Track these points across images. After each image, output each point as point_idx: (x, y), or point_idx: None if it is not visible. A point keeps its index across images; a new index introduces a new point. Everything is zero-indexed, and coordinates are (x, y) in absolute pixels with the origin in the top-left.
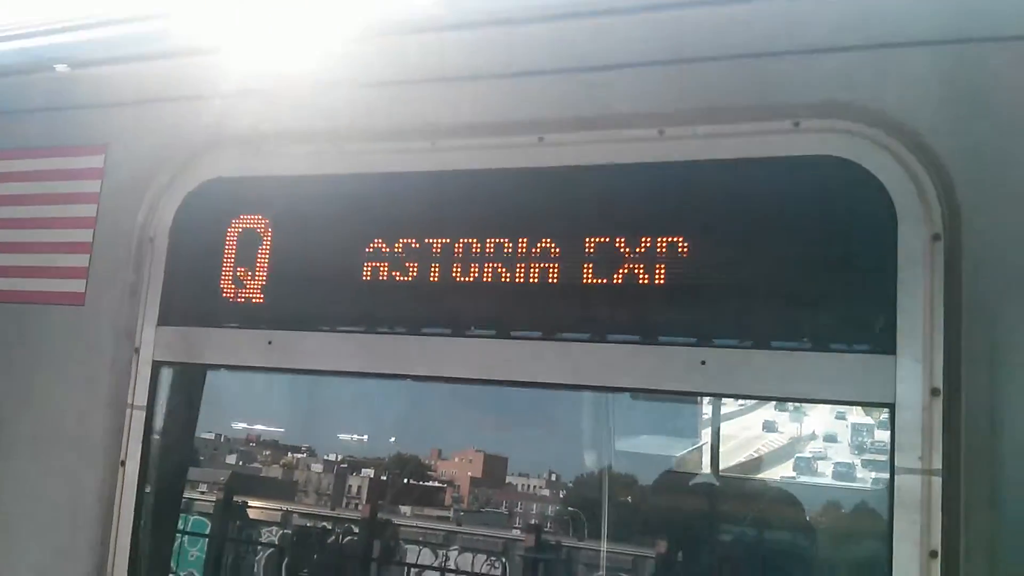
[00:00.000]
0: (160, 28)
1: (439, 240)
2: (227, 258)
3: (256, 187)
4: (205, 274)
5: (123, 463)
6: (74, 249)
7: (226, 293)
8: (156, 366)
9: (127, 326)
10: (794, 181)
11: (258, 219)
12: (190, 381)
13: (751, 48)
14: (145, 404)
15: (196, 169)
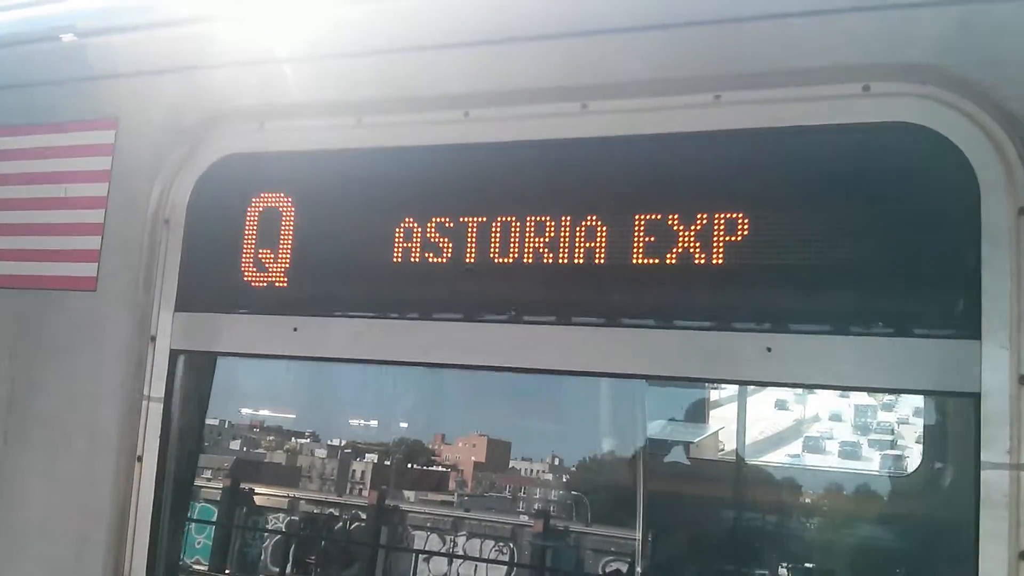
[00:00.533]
0: None
1: (475, 219)
2: (248, 239)
3: (277, 163)
4: (224, 257)
5: (140, 459)
6: (84, 231)
7: (247, 277)
8: (173, 355)
9: (142, 313)
10: (864, 150)
11: (280, 197)
12: (210, 371)
13: (815, 5)
14: (163, 396)
15: (213, 144)
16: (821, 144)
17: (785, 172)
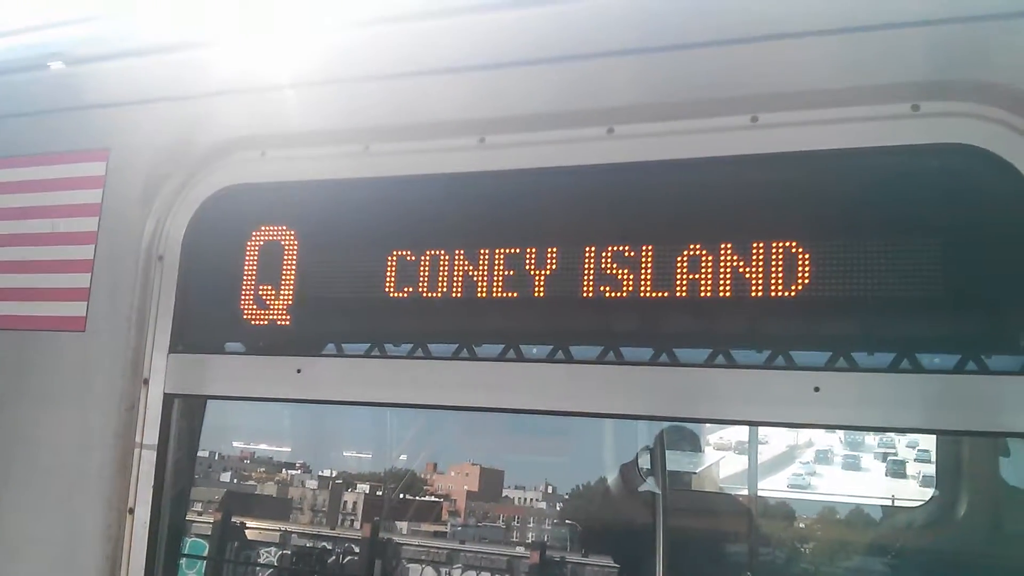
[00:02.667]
0: (165, 19)
1: (494, 251)
2: (248, 275)
3: (277, 194)
4: (223, 294)
5: (131, 511)
6: (73, 268)
7: (247, 315)
8: (168, 399)
9: (134, 355)
10: (914, 174)
11: (282, 231)
12: (207, 416)
13: (857, 20)
14: (156, 443)
15: (209, 176)
16: (867, 168)
17: (828, 198)
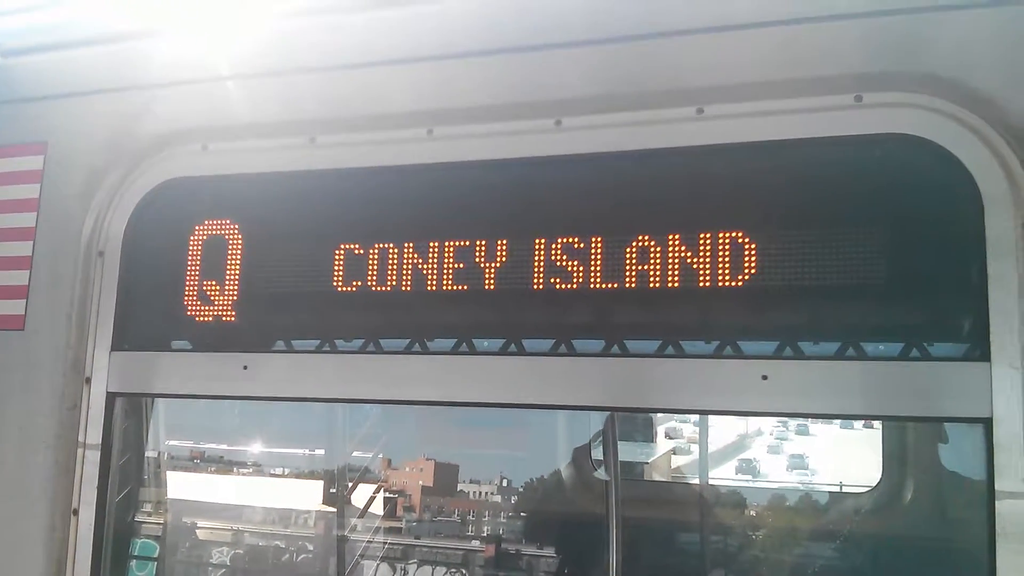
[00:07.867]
0: (103, 10)
1: (442, 243)
2: (190, 271)
3: (221, 187)
4: (165, 290)
5: (75, 512)
6: (10, 265)
7: (191, 311)
8: (111, 398)
9: (75, 353)
10: (858, 164)
11: (225, 224)
12: (151, 415)
13: (800, 12)
14: (99, 442)
15: (150, 169)
16: (811, 159)
17: (774, 188)
